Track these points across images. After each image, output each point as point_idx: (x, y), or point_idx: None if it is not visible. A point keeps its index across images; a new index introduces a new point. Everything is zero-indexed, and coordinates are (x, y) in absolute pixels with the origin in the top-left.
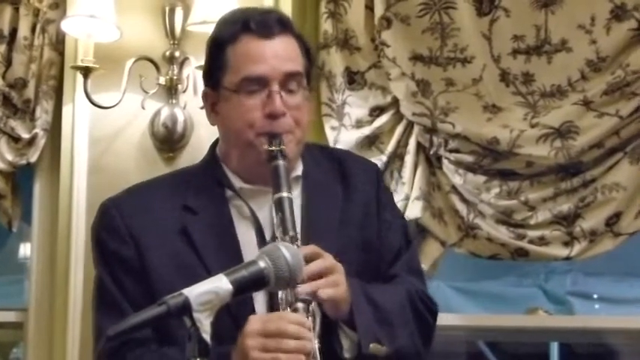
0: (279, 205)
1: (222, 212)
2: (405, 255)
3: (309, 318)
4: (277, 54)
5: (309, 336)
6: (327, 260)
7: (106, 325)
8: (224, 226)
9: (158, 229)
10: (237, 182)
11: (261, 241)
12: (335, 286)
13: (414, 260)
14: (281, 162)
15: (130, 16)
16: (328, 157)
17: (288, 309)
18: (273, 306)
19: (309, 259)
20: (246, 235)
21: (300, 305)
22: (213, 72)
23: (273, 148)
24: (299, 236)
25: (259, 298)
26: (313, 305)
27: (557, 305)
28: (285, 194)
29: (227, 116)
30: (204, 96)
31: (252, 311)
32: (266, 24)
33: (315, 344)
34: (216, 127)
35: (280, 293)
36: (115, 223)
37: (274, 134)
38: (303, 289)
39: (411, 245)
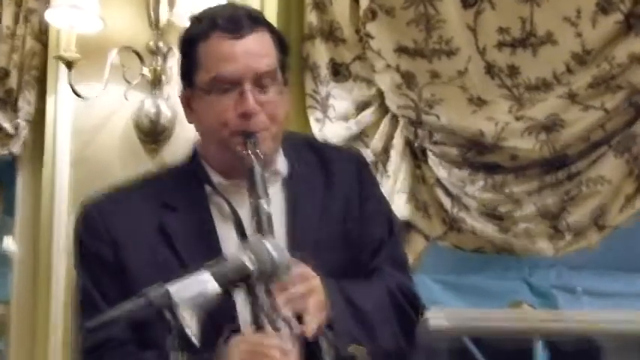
0: (255, 210)
1: (201, 209)
2: (388, 247)
3: (292, 329)
4: (248, 51)
5: (291, 351)
6: (303, 268)
7: None
8: (203, 223)
9: (136, 228)
10: (216, 178)
11: (242, 237)
12: (318, 311)
13: (397, 252)
14: (256, 166)
15: (113, 6)
16: (310, 149)
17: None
18: (254, 312)
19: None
20: (226, 232)
21: (282, 324)
22: (187, 70)
23: (248, 150)
24: (277, 238)
25: (239, 300)
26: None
27: (541, 299)
28: (261, 200)
29: (202, 115)
30: (181, 94)
31: (233, 317)
32: (236, 21)
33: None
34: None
35: (264, 309)
36: (95, 224)
37: (248, 133)
38: (279, 297)
39: (394, 236)
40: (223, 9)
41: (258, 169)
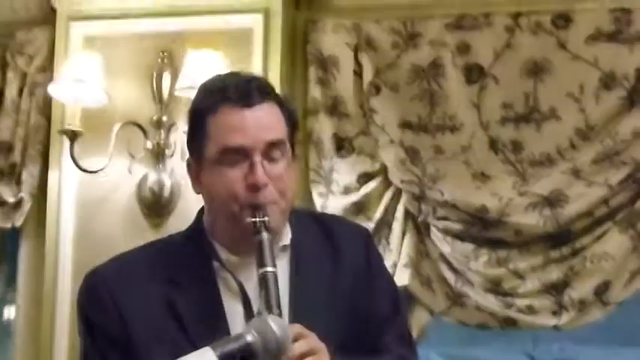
0: (263, 281)
1: (208, 285)
2: (395, 324)
3: None
4: (258, 123)
5: None
6: (311, 341)
7: None
8: (211, 300)
9: (144, 304)
10: (223, 254)
11: (249, 314)
12: None
13: (404, 330)
14: (265, 235)
15: (117, 80)
16: (316, 223)
17: None
18: None
19: (293, 340)
20: (233, 309)
21: None
22: (195, 142)
23: (257, 220)
24: (283, 314)
25: None
26: None
27: None
28: (269, 269)
29: (211, 187)
30: (188, 165)
31: None
32: (246, 92)
33: None
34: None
35: None
36: (101, 297)
37: (257, 206)
38: None
39: (401, 314)
40: (233, 79)
41: (266, 239)
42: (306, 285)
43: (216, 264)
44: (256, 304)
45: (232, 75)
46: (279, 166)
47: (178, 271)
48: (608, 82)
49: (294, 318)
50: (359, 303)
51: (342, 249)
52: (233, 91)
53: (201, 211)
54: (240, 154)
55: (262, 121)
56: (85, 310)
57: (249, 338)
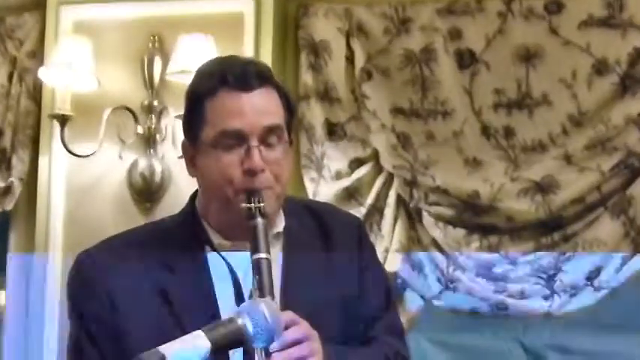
0: (256, 267)
1: (200, 270)
2: (386, 316)
3: None
4: (256, 107)
5: None
6: (303, 328)
7: None
8: (202, 286)
9: (134, 287)
10: (215, 238)
11: (240, 299)
12: (310, 355)
13: (394, 320)
14: (260, 221)
15: (108, 65)
16: (310, 212)
17: None
18: None
19: (285, 327)
20: (224, 293)
21: None
22: (192, 125)
23: (252, 205)
24: (276, 300)
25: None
26: None
27: (535, 359)
28: (263, 255)
29: (206, 171)
30: (184, 148)
31: None
32: (245, 76)
33: None
34: (193, 180)
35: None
36: (90, 279)
37: (253, 191)
38: (277, 358)
39: (391, 305)
40: (232, 63)
41: (261, 225)
42: (299, 273)
43: (208, 248)
44: (247, 289)
45: (231, 59)
46: (275, 151)
47: (170, 254)
48: (600, 68)
49: (286, 305)
50: (350, 292)
51: (335, 238)
52: (232, 75)
53: (193, 195)
54: (237, 139)
55: (260, 106)
56: (74, 293)
57: (240, 322)
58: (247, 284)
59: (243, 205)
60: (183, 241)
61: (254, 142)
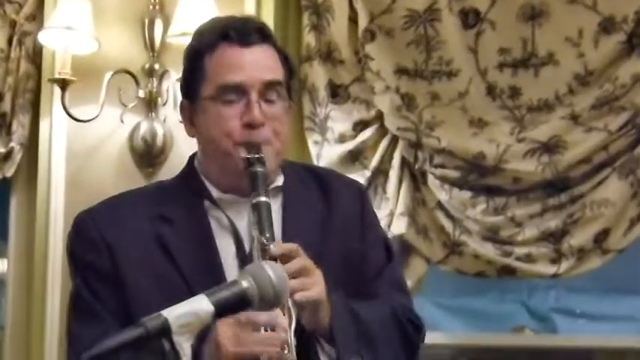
0: (256, 208)
1: (200, 222)
2: (388, 271)
3: (285, 316)
4: (256, 62)
5: (282, 325)
6: (305, 260)
7: (82, 332)
8: (202, 236)
9: (134, 239)
10: (215, 192)
11: (240, 251)
12: (312, 287)
13: (397, 276)
14: (259, 169)
15: (108, 27)
16: (311, 175)
17: None
18: None
19: (286, 258)
20: (224, 246)
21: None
22: (191, 83)
23: (251, 155)
24: (275, 237)
25: None
26: (290, 305)
27: (540, 322)
28: (262, 199)
29: (205, 126)
30: (182, 108)
31: None
32: (245, 32)
33: (290, 335)
34: (195, 143)
35: None
36: (91, 234)
37: (252, 144)
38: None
39: (393, 261)
40: (232, 20)
41: (260, 171)
42: (298, 226)
43: (207, 202)
44: (247, 242)
45: (231, 17)
46: (275, 107)
47: (169, 207)
48: (607, 26)
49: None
50: (351, 249)
51: (335, 197)
52: (232, 30)
53: (192, 156)
54: (237, 93)
55: (260, 61)
56: (74, 249)
57: (244, 284)
58: (247, 237)
59: (243, 155)
60: (181, 195)
61: (254, 97)
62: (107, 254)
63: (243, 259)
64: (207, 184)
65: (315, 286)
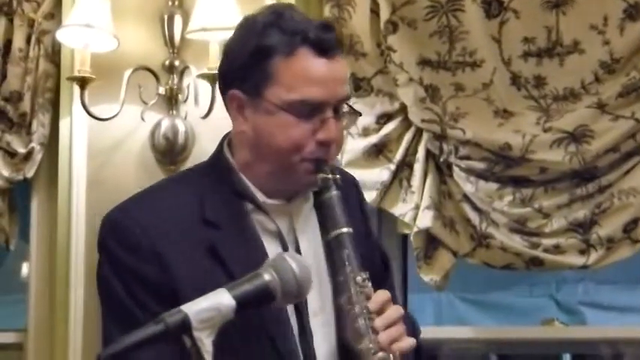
0: (341, 242)
1: (246, 227)
2: (389, 274)
3: None
4: (336, 77)
5: None
6: (399, 309)
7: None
8: (251, 242)
9: (182, 246)
10: (259, 196)
11: None
12: (405, 336)
13: (394, 278)
14: (335, 193)
15: (127, 24)
16: None
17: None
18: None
19: (382, 308)
20: (272, 251)
21: (380, 355)
22: (251, 78)
23: (330, 176)
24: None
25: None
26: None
27: (568, 315)
28: (345, 230)
29: (268, 130)
30: (232, 97)
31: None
32: (327, 40)
33: None
34: (217, 140)
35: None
36: (135, 239)
37: (324, 162)
38: (383, 337)
39: (390, 270)
40: (308, 21)
41: (337, 197)
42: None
43: (249, 205)
44: (292, 247)
45: (299, 13)
46: (342, 122)
47: (212, 210)
48: (632, 12)
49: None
50: (365, 254)
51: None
52: (314, 35)
53: (221, 146)
54: (315, 109)
55: (339, 75)
56: (117, 255)
57: (266, 277)
58: (292, 242)
59: (322, 175)
60: (221, 195)
61: (330, 113)
62: (156, 263)
63: None
64: (250, 185)
65: (404, 335)
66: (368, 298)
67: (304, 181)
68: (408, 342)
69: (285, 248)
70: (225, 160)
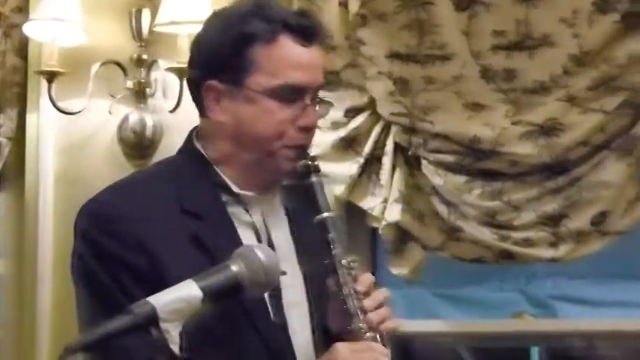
0: (325, 225)
1: (224, 217)
2: None
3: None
4: (315, 63)
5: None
6: (385, 291)
7: None
8: (230, 232)
9: (166, 235)
10: (234, 188)
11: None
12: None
13: None
14: (315, 178)
15: (95, 18)
16: None
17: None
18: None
19: (369, 290)
20: (247, 242)
21: (370, 335)
22: (230, 67)
23: (310, 163)
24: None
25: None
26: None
27: (538, 309)
28: (329, 214)
29: (248, 119)
30: (209, 88)
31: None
32: (308, 27)
33: None
34: (185, 133)
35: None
36: (119, 228)
37: (304, 148)
38: (373, 317)
39: None
40: (287, 10)
41: (318, 182)
42: (306, 239)
43: (224, 196)
44: (264, 238)
45: (278, 4)
46: (318, 109)
47: (191, 200)
48: (602, 5)
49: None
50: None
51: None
52: (295, 22)
53: (190, 138)
54: (297, 93)
55: (319, 62)
56: (102, 244)
57: (234, 268)
58: (264, 233)
59: (303, 161)
60: (198, 185)
61: (309, 99)
62: (142, 253)
63: None
64: (224, 177)
65: (391, 316)
66: (355, 280)
67: (284, 168)
68: (395, 322)
69: (259, 239)
70: (198, 152)
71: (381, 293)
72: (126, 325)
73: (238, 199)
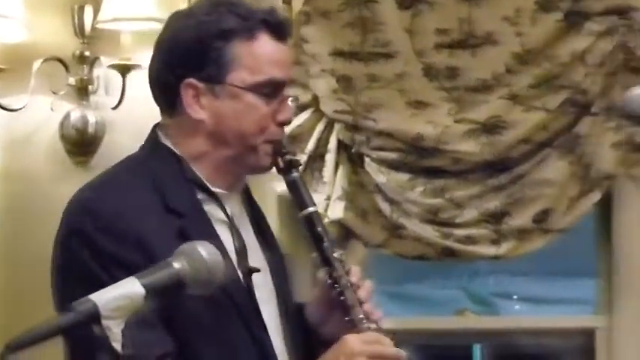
0: (311, 220)
1: (203, 215)
2: None
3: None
4: (289, 58)
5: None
6: (370, 282)
7: None
8: (210, 230)
9: (158, 233)
10: (209, 184)
11: (240, 244)
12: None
13: None
14: (296, 174)
15: (37, 14)
16: None
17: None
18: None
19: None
20: (224, 239)
21: (371, 325)
22: (209, 65)
23: (291, 158)
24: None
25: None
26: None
27: (480, 306)
28: (314, 209)
29: (229, 115)
30: (187, 87)
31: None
32: (283, 25)
33: None
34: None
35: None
36: (114, 224)
37: (281, 143)
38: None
39: None
40: (262, 8)
41: (299, 178)
42: (266, 235)
43: (200, 194)
44: (237, 236)
45: (249, 4)
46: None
47: (171, 198)
48: (544, 4)
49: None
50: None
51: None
52: (273, 20)
53: (155, 135)
54: (276, 89)
55: (291, 57)
56: (98, 242)
57: (177, 266)
58: (236, 231)
59: (288, 157)
60: (178, 185)
61: (286, 94)
62: (139, 250)
63: (241, 254)
64: (199, 174)
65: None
66: (347, 272)
67: (263, 163)
68: (381, 312)
69: (233, 237)
70: (169, 150)
71: (370, 284)
72: (68, 322)
73: (212, 197)
